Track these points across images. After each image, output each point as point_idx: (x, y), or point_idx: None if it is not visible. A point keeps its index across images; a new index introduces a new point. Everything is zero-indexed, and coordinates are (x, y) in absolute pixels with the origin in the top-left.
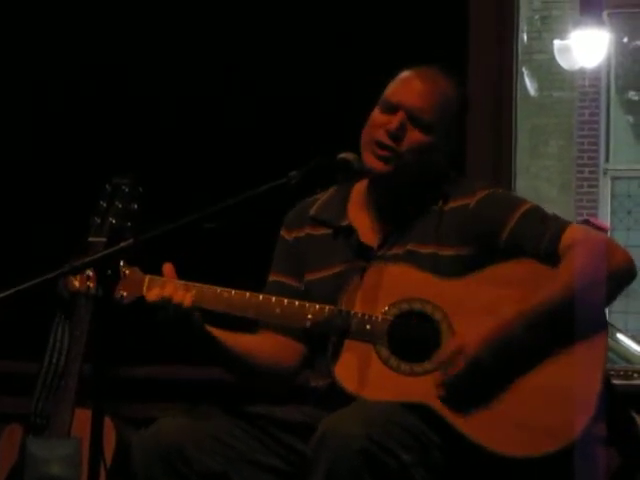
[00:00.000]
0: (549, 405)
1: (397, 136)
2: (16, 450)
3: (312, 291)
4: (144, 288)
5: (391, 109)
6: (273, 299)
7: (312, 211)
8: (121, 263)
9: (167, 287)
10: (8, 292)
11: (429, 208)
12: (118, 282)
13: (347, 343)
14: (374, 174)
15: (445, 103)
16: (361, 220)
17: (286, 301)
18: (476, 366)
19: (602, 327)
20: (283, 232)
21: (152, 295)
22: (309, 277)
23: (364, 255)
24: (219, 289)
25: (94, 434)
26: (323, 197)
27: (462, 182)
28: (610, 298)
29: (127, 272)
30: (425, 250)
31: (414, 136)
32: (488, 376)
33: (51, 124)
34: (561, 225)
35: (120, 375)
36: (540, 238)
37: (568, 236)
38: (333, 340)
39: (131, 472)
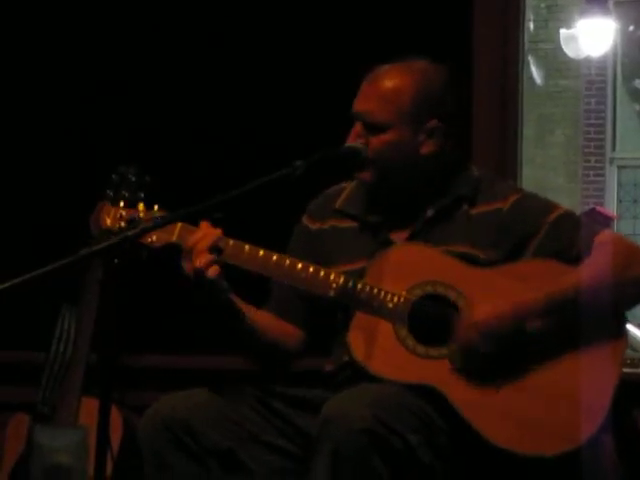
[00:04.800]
0: (558, 407)
1: (359, 146)
2: (23, 439)
3: None
4: (175, 234)
5: (353, 121)
6: (300, 264)
7: (338, 204)
8: (155, 207)
9: (196, 233)
10: (16, 281)
11: (454, 210)
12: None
13: (366, 318)
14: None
15: (397, 95)
16: (387, 216)
17: (312, 268)
18: (488, 334)
19: (621, 334)
20: (306, 220)
21: (183, 240)
22: (340, 270)
23: None
24: (248, 245)
25: (101, 423)
26: (349, 188)
27: (488, 182)
28: (633, 303)
29: (159, 218)
30: (461, 250)
31: (374, 140)
32: (500, 354)
33: (59, 114)
34: (594, 232)
35: (127, 363)
36: (572, 245)
37: (598, 241)
38: (352, 314)
39: (137, 446)
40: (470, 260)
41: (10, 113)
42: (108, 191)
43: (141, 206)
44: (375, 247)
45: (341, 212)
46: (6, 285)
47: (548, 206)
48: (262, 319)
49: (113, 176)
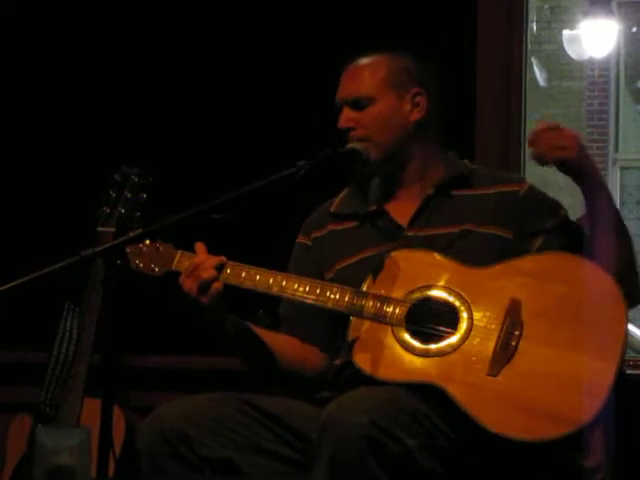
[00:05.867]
0: (557, 390)
1: (350, 128)
2: (25, 439)
3: (342, 279)
4: (175, 262)
5: (339, 111)
6: (296, 280)
7: (332, 209)
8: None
9: (198, 256)
10: (18, 282)
11: (453, 189)
12: (132, 261)
13: (366, 324)
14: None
15: (375, 68)
16: (386, 203)
17: (309, 282)
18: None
19: (621, 317)
20: (300, 238)
21: (183, 267)
22: (338, 267)
23: (393, 236)
24: (247, 266)
25: (103, 423)
26: (341, 195)
27: (484, 169)
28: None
29: (160, 247)
30: (458, 229)
31: (364, 117)
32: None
33: (61, 115)
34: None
35: (129, 364)
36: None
37: None
38: (352, 321)
39: (137, 458)
40: (467, 241)
41: (12, 115)
42: (111, 192)
43: (147, 242)
44: (377, 235)
45: (337, 215)
46: (9, 285)
47: (556, 202)
48: (279, 342)
49: (115, 176)
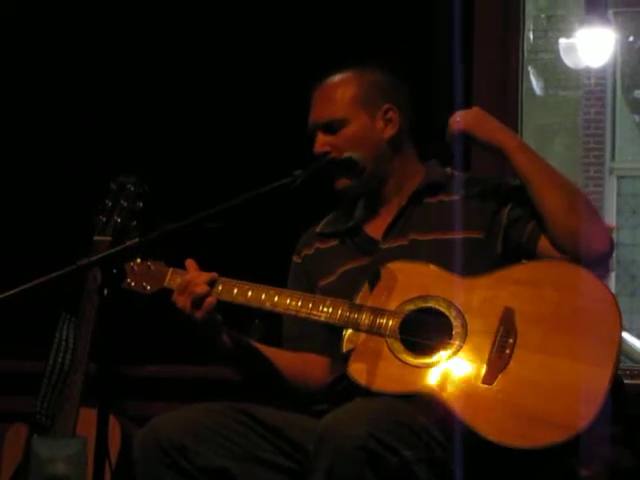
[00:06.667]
0: (553, 396)
1: (326, 152)
2: (21, 449)
3: (324, 295)
4: (167, 279)
5: (312, 135)
6: (289, 295)
7: (319, 229)
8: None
9: (189, 273)
10: (14, 291)
11: (428, 197)
12: (124, 280)
13: (360, 336)
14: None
15: (344, 88)
16: (365, 220)
17: (301, 297)
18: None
19: (615, 323)
20: (294, 257)
21: (175, 284)
22: (320, 284)
23: (369, 249)
24: (239, 281)
25: (99, 433)
26: (328, 217)
27: (466, 176)
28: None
29: (151, 265)
30: (428, 237)
31: (339, 140)
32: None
33: (57, 122)
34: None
35: (126, 374)
36: (525, 224)
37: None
38: (346, 333)
39: (133, 468)
40: (438, 249)
41: (9, 121)
42: (107, 201)
43: (138, 260)
44: (355, 250)
45: (322, 234)
46: (5, 294)
47: (507, 182)
48: (280, 357)
49: (112, 185)
